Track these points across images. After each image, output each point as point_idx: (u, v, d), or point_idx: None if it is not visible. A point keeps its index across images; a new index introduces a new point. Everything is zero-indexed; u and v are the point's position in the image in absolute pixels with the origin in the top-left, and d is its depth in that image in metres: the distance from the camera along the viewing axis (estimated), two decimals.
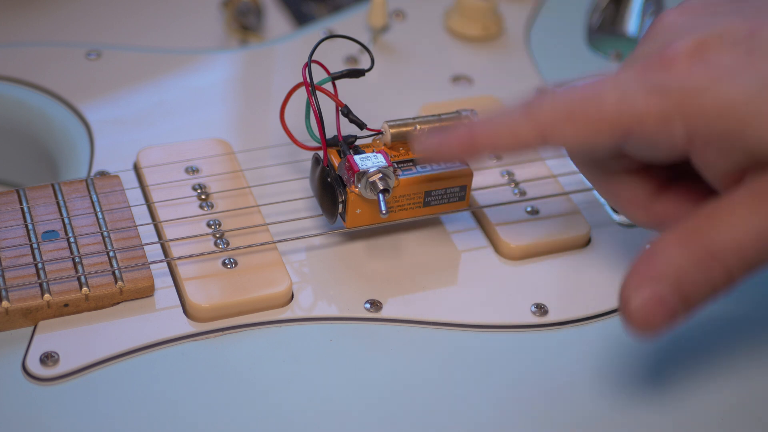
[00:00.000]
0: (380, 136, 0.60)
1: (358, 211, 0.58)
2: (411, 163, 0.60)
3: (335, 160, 0.59)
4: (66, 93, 0.67)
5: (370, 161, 0.58)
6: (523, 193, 0.64)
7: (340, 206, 0.58)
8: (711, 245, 0.49)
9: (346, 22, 0.75)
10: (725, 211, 0.50)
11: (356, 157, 0.58)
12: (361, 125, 0.59)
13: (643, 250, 0.51)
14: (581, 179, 0.66)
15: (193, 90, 0.70)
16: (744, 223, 0.49)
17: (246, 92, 0.70)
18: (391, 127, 0.60)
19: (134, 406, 0.53)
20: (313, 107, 0.58)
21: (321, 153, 0.59)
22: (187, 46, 0.79)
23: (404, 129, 0.60)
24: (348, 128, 0.60)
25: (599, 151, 0.54)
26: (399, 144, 0.60)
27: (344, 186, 0.58)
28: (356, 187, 0.58)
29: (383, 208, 0.57)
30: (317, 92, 0.58)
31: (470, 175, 0.60)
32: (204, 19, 0.83)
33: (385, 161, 0.58)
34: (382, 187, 0.57)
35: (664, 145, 0.51)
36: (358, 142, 0.60)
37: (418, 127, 0.60)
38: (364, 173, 0.57)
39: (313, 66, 0.58)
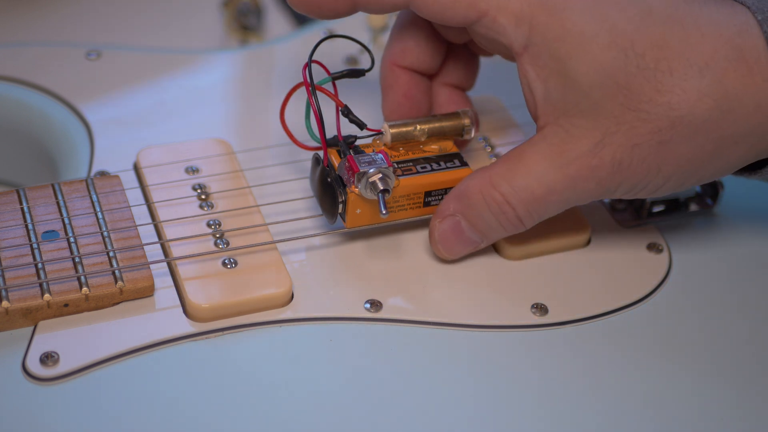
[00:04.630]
0: (380, 136, 0.60)
1: (358, 211, 0.58)
2: (411, 164, 0.60)
3: (335, 160, 0.59)
4: (66, 93, 0.67)
5: (371, 161, 0.58)
6: None
7: (340, 206, 0.58)
8: (507, 194, 0.57)
9: (346, 22, 0.74)
10: (524, 162, 0.56)
11: (356, 158, 0.58)
12: (361, 125, 0.59)
13: (455, 189, 0.58)
14: None
15: (193, 90, 0.70)
16: (539, 175, 0.56)
17: (246, 92, 0.70)
18: (391, 127, 0.60)
19: (134, 406, 0.53)
20: (313, 107, 0.58)
21: (321, 153, 0.59)
22: (187, 46, 0.79)
23: (404, 129, 0.60)
24: (348, 128, 0.60)
25: (451, 23, 0.57)
26: (399, 144, 0.60)
27: (344, 186, 0.58)
28: (356, 187, 0.58)
29: (383, 208, 0.57)
30: (317, 92, 0.58)
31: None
32: (204, 19, 0.83)
33: (385, 161, 0.58)
34: (382, 188, 0.57)
35: (505, 41, 0.56)
36: (358, 143, 0.60)
37: (418, 127, 0.60)
38: (364, 173, 0.57)
39: (313, 66, 0.58)
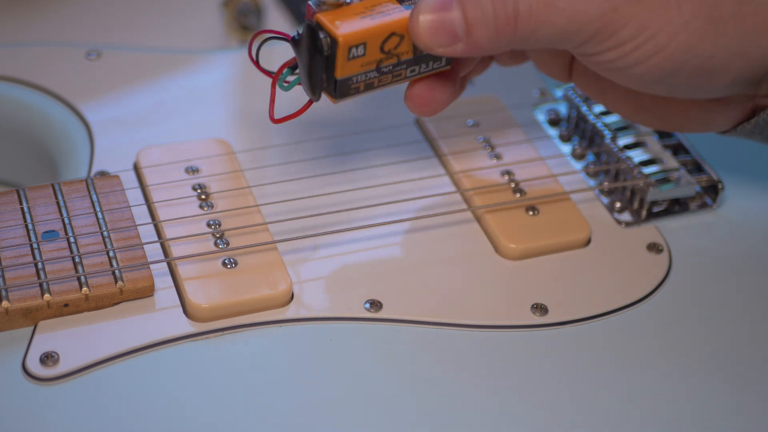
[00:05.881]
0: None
1: (338, 22, 0.55)
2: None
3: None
4: (66, 93, 0.67)
5: None
6: (523, 193, 0.64)
7: (321, 34, 0.54)
8: None
9: None
10: None
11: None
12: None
13: None
14: (581, 179, 0.66)
15: (193, 90, 0.70)
16: None
17: (246, 92, 0.70)
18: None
19: (134, 405, 0.53)
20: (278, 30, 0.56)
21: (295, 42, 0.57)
22: (187, 46, 0.79)
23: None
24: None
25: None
26: None
27: (317, 24, 0.55)
28: (321, 7, 0.55)
29: None
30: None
31: None
32: (204, 19, 0.83)
33: None
34: None
35: None
36: None
37: None
38: None
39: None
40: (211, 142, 0.65)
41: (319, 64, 0.55)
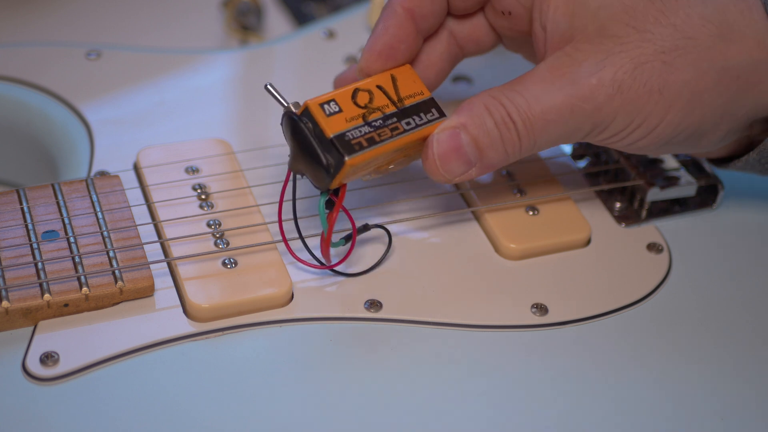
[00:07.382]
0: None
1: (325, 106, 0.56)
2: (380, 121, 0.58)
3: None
4: (66, 93, 0.67)
5: None
6: (523, 193, 0.64)
7: (294, 110, 0.56)
8: (507, 106, 0.56)
9: (346, 22, 0.75)
10: (524, 83, 0.56)
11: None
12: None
13: (460, 106, 0.57)
14: (581, 179, 0.66)
15: (193, 90, 0.70)
16: (538, 94, 0.56)
17: (246, 92, 0.70)
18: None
19: (134, 405, 0.53)
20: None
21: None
22: (187, 46, 0.79)
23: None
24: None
25: None
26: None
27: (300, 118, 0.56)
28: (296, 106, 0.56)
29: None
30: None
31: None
32: (204, 19, 0.83)
33: None
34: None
35: None
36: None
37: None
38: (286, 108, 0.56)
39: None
40: (211, 142, 0.65)
41: (308, 139, 0.56)
